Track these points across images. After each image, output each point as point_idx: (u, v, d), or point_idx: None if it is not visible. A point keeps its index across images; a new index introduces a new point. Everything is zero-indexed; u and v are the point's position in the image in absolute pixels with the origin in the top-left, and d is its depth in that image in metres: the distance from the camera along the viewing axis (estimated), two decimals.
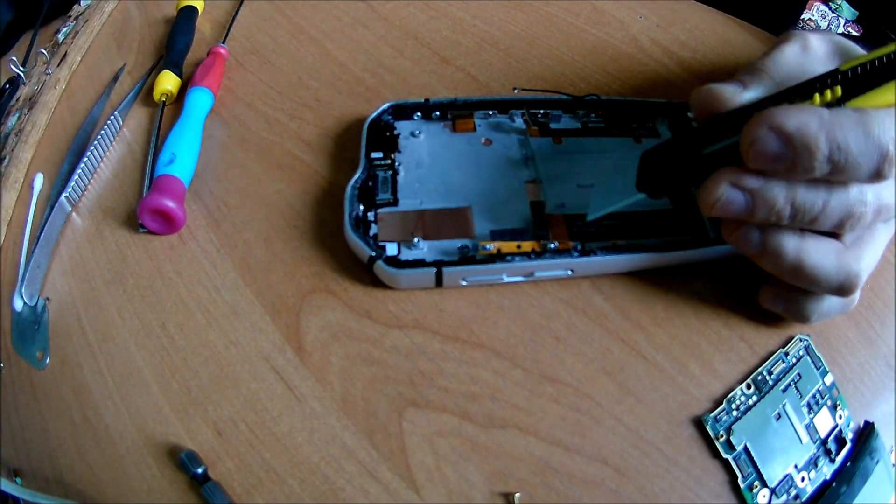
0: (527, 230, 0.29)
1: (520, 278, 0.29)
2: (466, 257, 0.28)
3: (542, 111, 0.33)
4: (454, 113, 0.33)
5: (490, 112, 0.33)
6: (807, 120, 0.21)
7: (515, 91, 0.36)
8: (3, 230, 0.32)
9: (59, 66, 0.38)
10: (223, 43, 0.39)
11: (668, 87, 0.38)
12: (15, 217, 0.33)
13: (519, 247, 0.28)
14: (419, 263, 0.28)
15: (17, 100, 0.37)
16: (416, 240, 0.28)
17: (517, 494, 0.25)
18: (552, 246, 0.28)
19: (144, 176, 0.33)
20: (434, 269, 0.28)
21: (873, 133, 0.21)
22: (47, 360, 0.28)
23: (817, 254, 0.25)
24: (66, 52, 0.39)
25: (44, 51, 0.38)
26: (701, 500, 0.25)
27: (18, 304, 0.29)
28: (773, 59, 0.26)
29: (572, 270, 0.29)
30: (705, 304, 0.29)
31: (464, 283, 0.29)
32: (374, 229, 0.29)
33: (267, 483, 0.25)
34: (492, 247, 0.28)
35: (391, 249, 0.28)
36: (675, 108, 0.34)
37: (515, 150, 0.32)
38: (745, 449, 0.26)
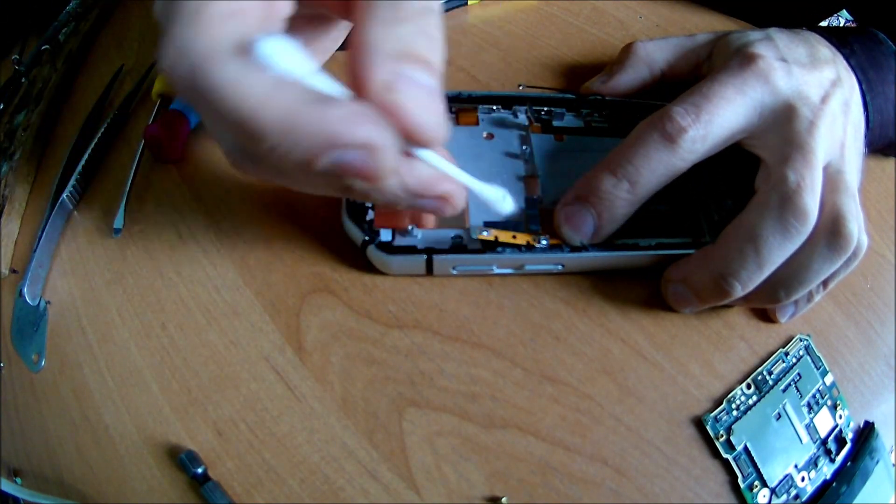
0: (520, 224, 0.29)
1: (510, 270, 0.29)
2: (457, 246, 0.28)
3: (545, 108, 0.33)
4: (458, 106, 0.33)
5: (494, 107, 0.33)
6: None
7: (520, 87, 0.36)
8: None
9: (63, 62, 0.38)
10: None
11: (668, 88, 0.37)
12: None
13: (514, 237, 0.28)
14: (411, 250, 0.28)
15: (21, 98, 0.37)
16: (410, 227, 0.28)
17: (503, 499, 0.25)
18: (544, 240, 0.28)
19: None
20: (424, 257, 0.28)
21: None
22: (42, 364, 0.28)
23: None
24: (69, 50, 0.39)
25: (49, 47, 0.38)
26: (701, 500, 0.25)
27: (21, 303, 0.29)
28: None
29: (563, 265, 0.29)
30: None
31: (454, 271, 0.29)
32: (370, 216, 0.29)
33: (267, 483, 0.25)
34: (488, 233, 0.28)
35: (385, 235, 0.28)
36: None
37: (516, 145, 0.32)
38: (745, 449, 0.26)
